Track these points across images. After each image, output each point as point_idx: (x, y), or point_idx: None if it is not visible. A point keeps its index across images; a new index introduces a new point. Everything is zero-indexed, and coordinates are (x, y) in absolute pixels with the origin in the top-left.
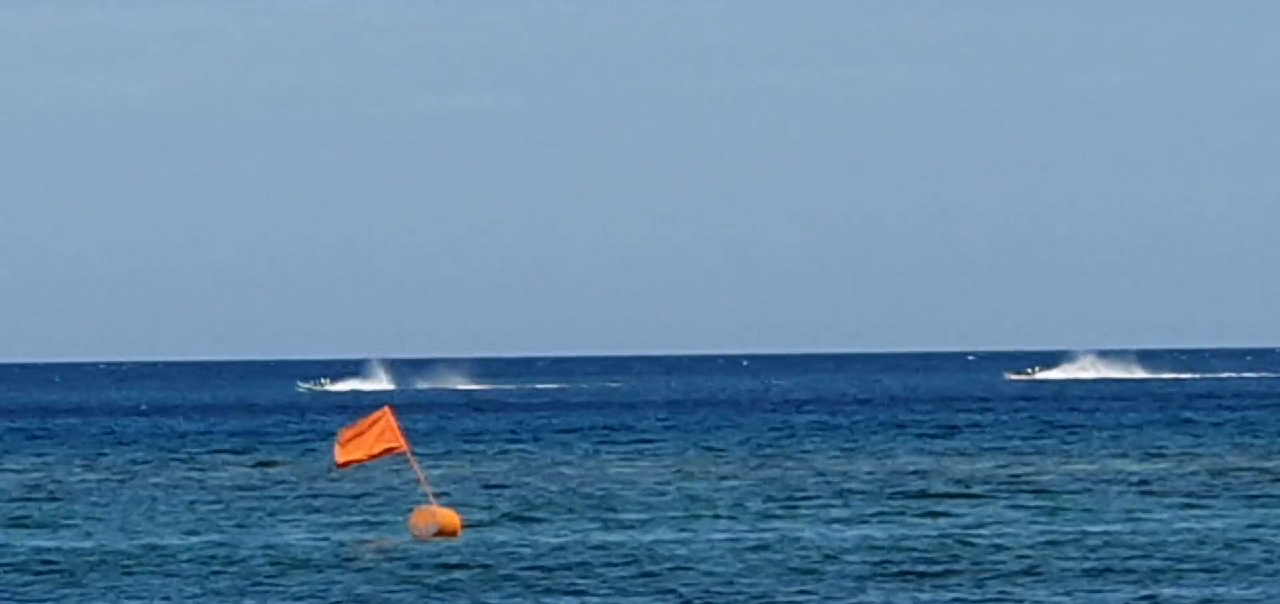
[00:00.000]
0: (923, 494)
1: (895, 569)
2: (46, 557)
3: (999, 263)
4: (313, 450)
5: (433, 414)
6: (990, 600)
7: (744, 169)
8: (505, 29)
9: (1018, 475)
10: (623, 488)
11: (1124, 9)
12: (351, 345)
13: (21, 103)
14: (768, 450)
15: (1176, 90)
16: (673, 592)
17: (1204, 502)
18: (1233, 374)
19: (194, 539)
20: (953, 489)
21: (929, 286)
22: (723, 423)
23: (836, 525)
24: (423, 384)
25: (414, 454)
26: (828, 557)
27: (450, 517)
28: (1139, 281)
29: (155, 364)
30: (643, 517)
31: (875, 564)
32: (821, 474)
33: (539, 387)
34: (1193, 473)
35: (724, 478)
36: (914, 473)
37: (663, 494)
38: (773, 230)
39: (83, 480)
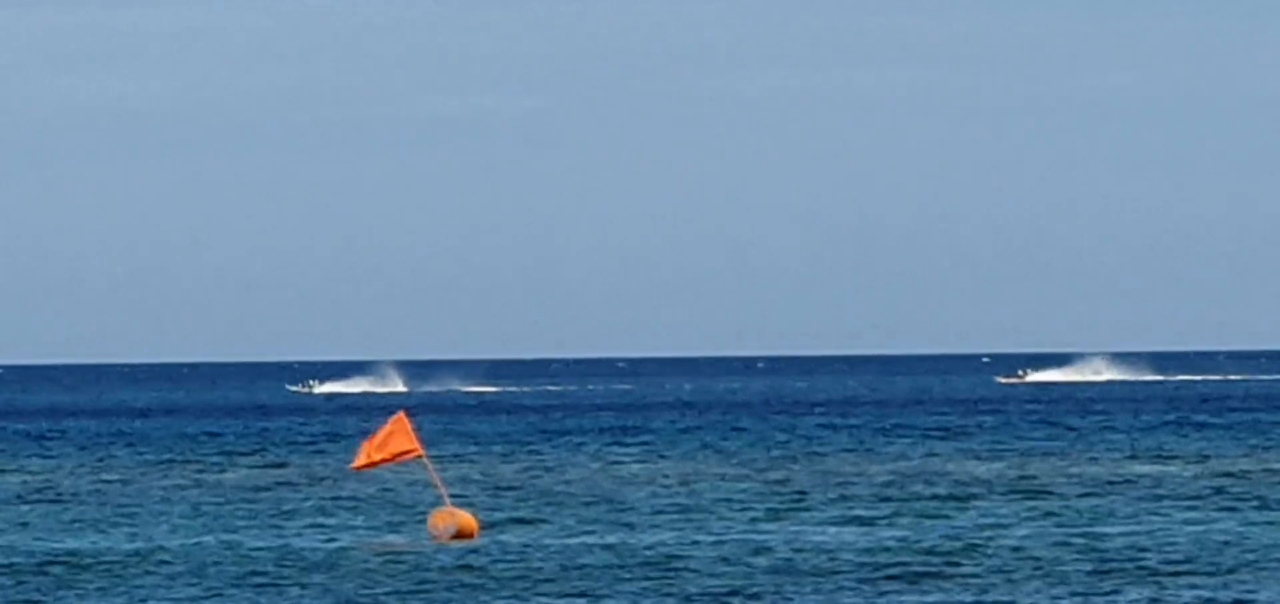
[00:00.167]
0: (932, 496)
1: (904, 571)
2: (57, 558)
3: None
4: (324, 452)
5: (443, 416)
6: (998, 602)
7: (757, 171)
8: (516, 30)
9: (1028, 477)
10: (635, 489)
11: (1125, 9)
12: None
13: (21, 103)
14: (778, 452)
15: (1179, 91)
16: (683, 594)
17: (1218, 504)
18: (1239, 376)
19: (207, 540)
20: (962, 491)
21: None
22: (735, 425)
23: (845, 527)
24: (433, 387)
25: (428, 456)
26: (836, 558)
27: (468, 518)
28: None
29: (160, 365)
30: (654, 518)
31: (883, 566)
32: (832, 476)
33: (552, 388)
34: (1203, 475)
35: (734, 479)
36: (923, 475)
37: (674, 496)
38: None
39: (94, 482)
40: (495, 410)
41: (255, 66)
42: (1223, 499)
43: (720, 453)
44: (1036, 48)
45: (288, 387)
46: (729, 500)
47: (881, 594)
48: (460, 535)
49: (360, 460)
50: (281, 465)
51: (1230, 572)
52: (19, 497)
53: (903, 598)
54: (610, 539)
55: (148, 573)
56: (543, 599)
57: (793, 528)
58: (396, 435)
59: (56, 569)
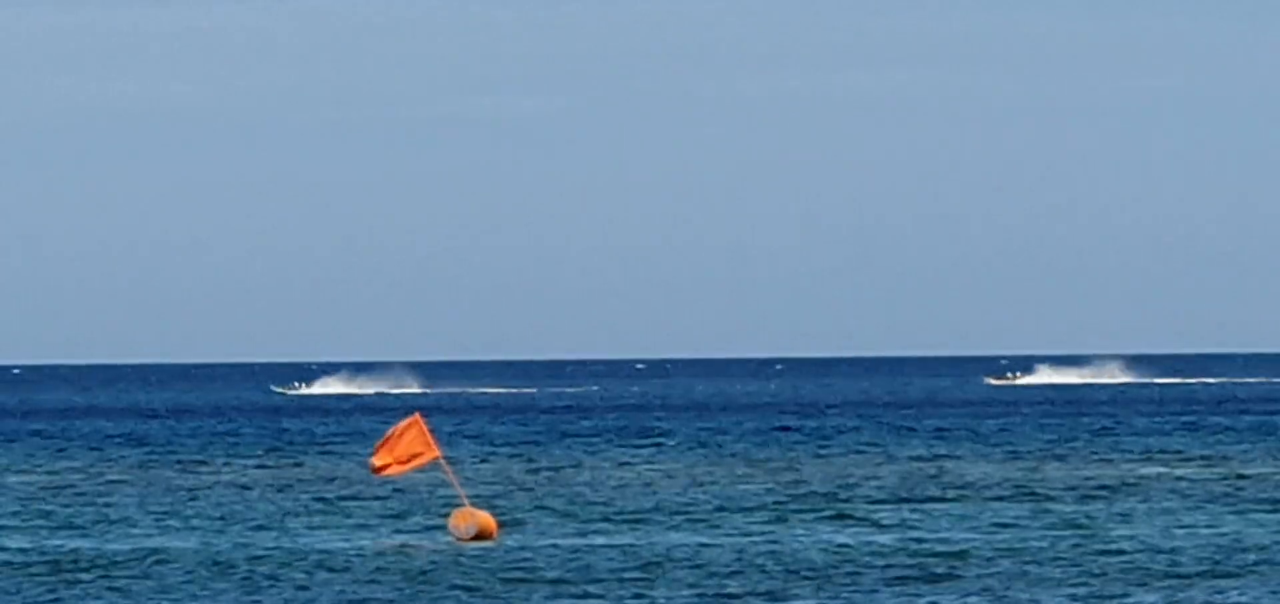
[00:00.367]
0: (944, 497)
1: (922, 573)
2: (68, 558)
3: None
4: (339, 454)
5: (456, 417)
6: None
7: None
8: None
9: (1040, 478)
10: (651, 490)
11: (1126, 10)
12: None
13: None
14: (790, 453)
15: (1180, 91)
16: (700, 595)
17: (1230, 506)
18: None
19: (224, 543)
20: (973, 493)
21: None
22: (748, 426)
23: (855, 528)
24: (449, 388)
25: (446, 458)
26: (847, 560)
27: (487, 519)
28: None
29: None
30: (671, 519)
31: (897, 567)
32: (843, 477)
33: (568, 390)
34: (1216, 477)
35: (749, 480)
36: (936, 476)
37: (687, 497)
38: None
39: (108, 482)
40: (509, 412)
41: (255, 66)
42: (1239, 500)
43: (734, 453)
44: (1039, 49)
45: (273, 388)
46: (743, 501)
47: (897, 596)
48: (480, 536)
49: (381, 467)
50: (298, 465)
51: (1237, 574)
52: (34, 496)
53: (917, 599)
54: (626, 540)
55: (163, 574)
56: (561, 600)
57: (806, 529)
58: (412, 438)
59: (68, 569)
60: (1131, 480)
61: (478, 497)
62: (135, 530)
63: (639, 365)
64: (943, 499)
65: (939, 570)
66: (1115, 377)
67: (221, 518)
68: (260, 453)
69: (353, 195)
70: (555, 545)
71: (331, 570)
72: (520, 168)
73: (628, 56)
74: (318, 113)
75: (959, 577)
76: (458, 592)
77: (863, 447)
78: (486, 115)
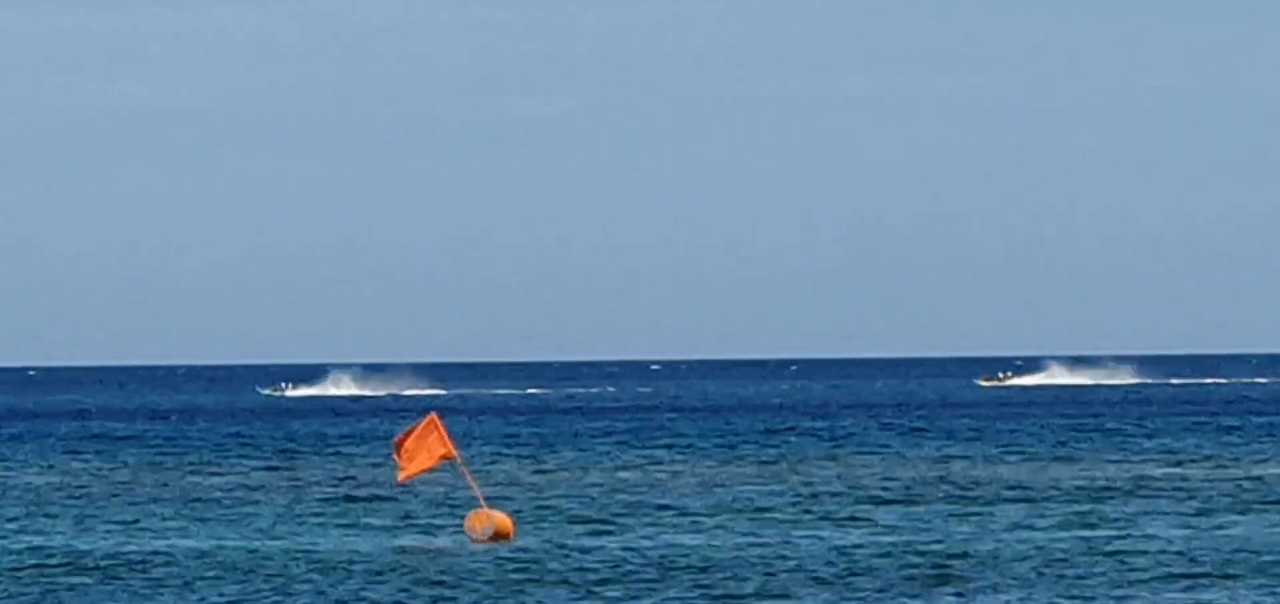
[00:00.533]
0: (959, 498)
1: (932, 574)
2: (85, 560)
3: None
4: (351, 455)
5: (468, 418)
6: None
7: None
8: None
9: (1053, 479)
10: (667, 491)
11: (1127, 11)
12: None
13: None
14: (803, 454)
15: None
16: (716, 595)
17: (1244, 508)
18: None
19: (241, 544)
20: (990, 494)
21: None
22: (767, 426)
23: (865, 529)
24: (456, 388)
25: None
26: (855, 561)
27: (504, 520)
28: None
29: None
30: (683, 520)
31: (905, 568)
32: (856, 477)
33: (580, 391)
34: (1227, 478)
35: (763, 481)
36: (950, 477)
37: (701, 498)
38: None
39: (120, 483)
40: (524, 413)
41: (256, 67)
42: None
43: (744, 454)
44: (1039, 49)
45: (258, 389)
46: (755, 502)
47: (909, 597)
48: (497, 537)
49: (403, 473)
50: (311, 467)
51: (1247, 575)
52: (47, 497)
53: (929, 600)
54: (644, 541)
55: (177, 575)
56: (580, 600)
57: (821, 530)
58: (430, 438)
59: (85, 571)
60: (1142, 481)
61: (490, 497)
62: (148, 531)
63: (654, 366)
64: (959, 499)
65: (951, 572)
66: (1125, 378)
67: (236, 519)
68: (272, 454)
69: (353, 195)
70: (570, 546)
71: (347, 572)
72: (521, 169)
73: (629, 57)
74: (318, 113)
75: (970, 578)
76: (474, 592)
77: (874, 447)
78: (487, 116)
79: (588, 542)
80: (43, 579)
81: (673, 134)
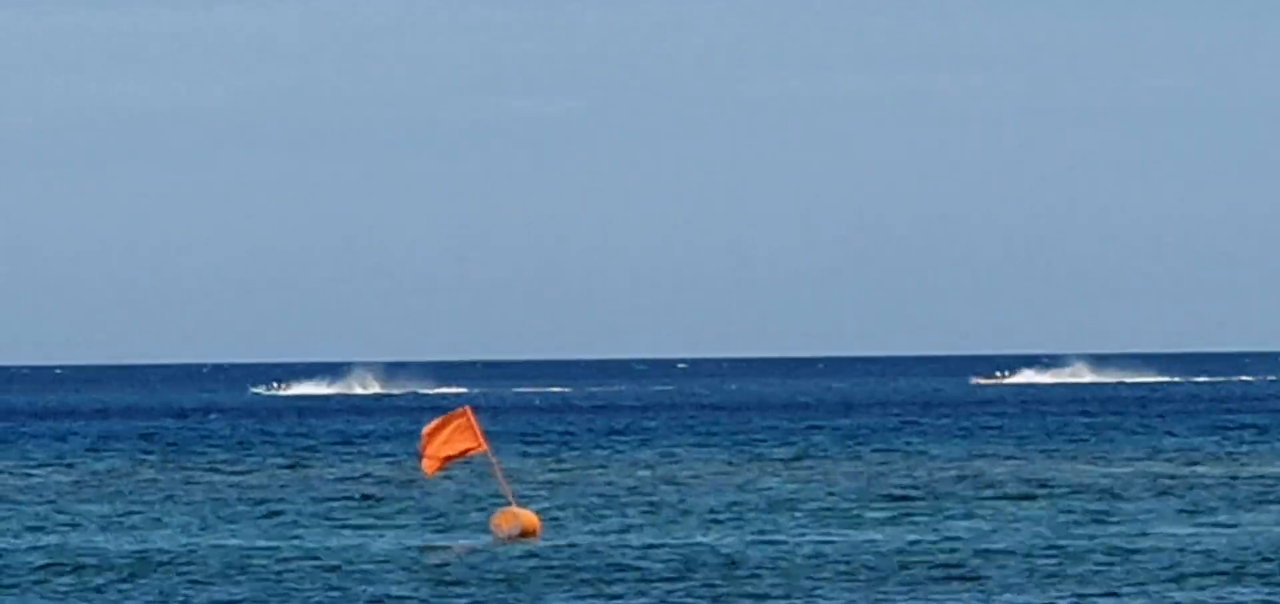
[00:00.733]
0: (975, 497)
1: (957, 573)
2: (108, 558)
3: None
4: (372, 454)
5: (490, 416)
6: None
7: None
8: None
9: (1069, 476)
10: (692, 489)
11: (1126, 11)
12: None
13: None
14: (828, 451)
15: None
16: (734, 594)
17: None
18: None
19: (264, 542)
20: (1021, 490)
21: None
22: (784, 425)
23: (886, 527)
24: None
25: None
26: (876, 559)
27: (531, 518)
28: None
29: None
30: (711, 518)
31: (936, 566)
32: (876, 475)
33: (594, 390)
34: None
35: (788, 480)
36: (966, 476)
37: (723, 495)
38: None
39: (145, 481)
40: (546, 411)
41: (256, 67)
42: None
43: (768, 453)
44: (1039, 49)
45: (252, 388)
46: (780, 499)
47: (928, 596)
48: (524, 535)
49: (429, 463)
50: (333, 464)
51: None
52: (77, 496)
53: (948, 598)
54: (665, 539)
55: (206, 574)
56: (604, 599)
57: (841, 528)
58: (461, 431)
59: (110, 570)
60: (1158, 479)
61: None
62: (168, 529)
63: (681, 365)
64: (975, 499)
65: (972, 570)
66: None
67: (259, 518)
68: (292, 452)
69: (353, 195)
70: (591, 545)
71: (368, 571)
72: (521, 169)
73: (629, 57)
74: (318, 113)
75: (987, 576)
76: (495, 590)
77: (896, 445)
78: (487, 116)
79: (609, 540)
80: (67, 578)
81: (673, 134)
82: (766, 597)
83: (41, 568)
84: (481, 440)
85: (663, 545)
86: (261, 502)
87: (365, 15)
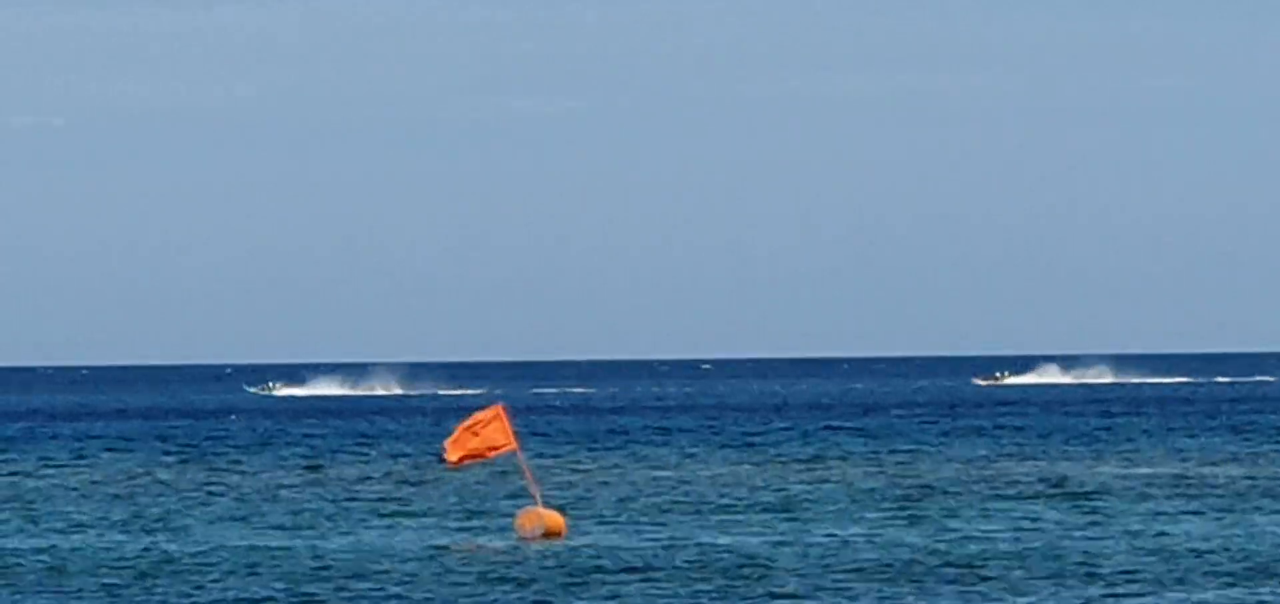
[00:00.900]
0: (994, 496)
1: (971, 572)
2: (136, 557)
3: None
4: (394, 454)
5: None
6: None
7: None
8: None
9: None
10: (717, 489)
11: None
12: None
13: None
14: (846, 451)
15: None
16: (765, 593)
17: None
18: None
19: (291, 543)
20: (1035, 490)
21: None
22: (813, 424)
23: (901, 526)
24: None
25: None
26: (890, 558)
27: (556, 518)
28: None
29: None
30: (725, 517)
31: (957, 566)
32: (893, 474)
33: (615, 390)
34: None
35: (809, 480)
36: (981, 476)
37: (756, 495)
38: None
39: (169, 482)
40: (566, 412)
41: (256, 67)
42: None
43: (787, 452)
44: (1039, 49)
45: (246, 388)
46: (798, 499)
47: (952, 596)
48: (548, 535)
49: (455, 454)
50: (357, 464)
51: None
52: (106, 495)
53: (971, 596)
54: (685, 537)
55: (229, 573)
56: (623, 598)
57: (860, 528)
58: (494, 429)
59: (139, 569)
60: (1171, 479)
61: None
62: (191, 529)
63: (705, 365)
64: (991, 497)
65: (986, 571)
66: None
67: (281, 517)
68: (313, 452)
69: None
70: (612, 544)
71: (392, 570)
72: (521, 169)
73: (629, 57)
74: (318, 113)
75: (1003, 577)
76: (516, 588)
77: (911, 445)
78: (487, 116)
79: (630, 540)
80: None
81: (673, 134)
82: (790, 597)
83: (56, 569)
84: (512, 439)
85: (684, 545)
86: (283, 501)
87: (365, 15)
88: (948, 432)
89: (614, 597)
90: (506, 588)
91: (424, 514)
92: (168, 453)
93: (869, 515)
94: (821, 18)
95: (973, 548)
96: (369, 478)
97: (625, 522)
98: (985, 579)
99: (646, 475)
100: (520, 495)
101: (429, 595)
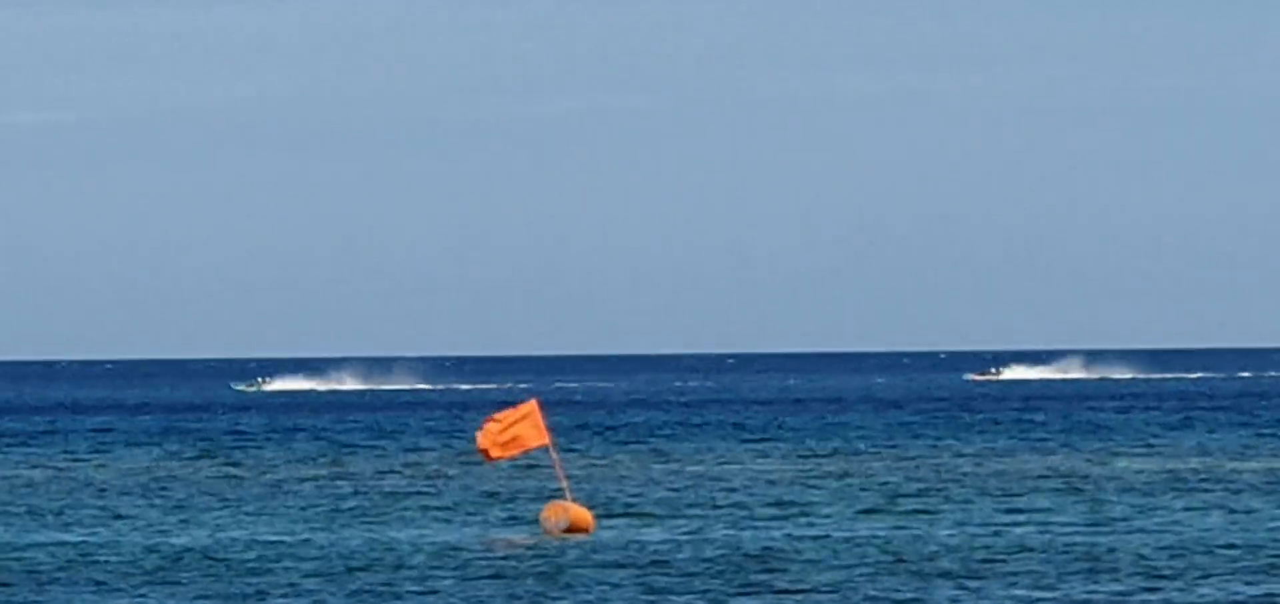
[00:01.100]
0: (1006, 492)
1: (987, 566)
2: (166, 551)
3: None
4: (423, 447)
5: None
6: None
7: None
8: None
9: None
10: (742, 484)
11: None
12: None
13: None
14: (861, 447)
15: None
16: (785, 589)
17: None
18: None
19: (314, 537)
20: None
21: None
22: (837, 419)
23: (918, 520)
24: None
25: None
26: (908, 551)
27: (582, 512)
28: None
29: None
30: (744, 512)
31: (959, 559)
32: (906, 469)
33: (622, 383)
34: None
35: (835, 475)
36: (994, 470)
37: (778, 491)
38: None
39: (198, 476)
40: (587, 406)
41: (256, 67)
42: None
43: (805, 447)
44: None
45: (232, 385)
46: (815, 494)
47: (972, 588)
48: (573, 529)
49: (490, 450)
50: (375, 459)
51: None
52: (133, 490)
53: (989, 591)
54: (704, 532)
55: (260, 569)
56: (648, 592)
57: (879, 521)
58: (528, 425)
59: (173, 562)
60: (1175, 475)
61: (553, 489)
62: (206, 526)
63: (730, 360)
64: (1001, 493)
65: (1001, 565)
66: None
67: (303, 509)
68: (331, 447)
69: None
70: (631, 538)
71: (417, 563)
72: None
73: (629, 58)
74: (318, 113)
75: (1017, 571)
76: (541, 584)
77: (926, 441)
78: (487, 116)
79: (667, 536)
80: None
81: (672, 134)
82: (811, 590)
83: (75, 562)
84: (545, 435)
85: (706, 539)
86: (300, 495)
87: (365, 15)
88: (967, 426)
89: (626, 590)
90: (523, 581)
91: (447, 509)
92: (187, 447)
93: (889, 510)
94: (821, 18)
95: (996, 542)
96: (386, 472)
97: (653, 515)
98: (1005, 573)
99: (671, 468)
100: (548, 489)
101: (449, 588)
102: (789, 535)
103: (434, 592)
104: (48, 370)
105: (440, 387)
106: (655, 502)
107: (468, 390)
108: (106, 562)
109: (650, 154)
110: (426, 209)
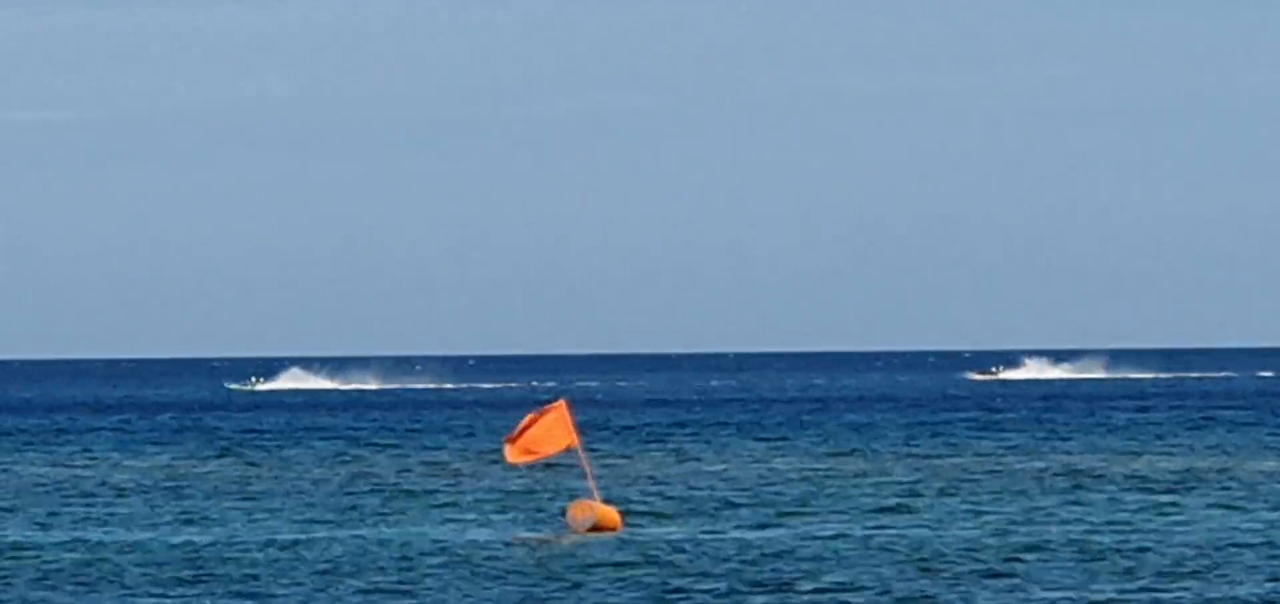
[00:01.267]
0: (1019, 492)
1: (1004, 565)
2: (186, 551)
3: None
4: (441, 447)
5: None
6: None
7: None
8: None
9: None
10: (764, 483)
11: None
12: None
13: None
14: (876, 446)
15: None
16: (809, 588)
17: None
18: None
19: (340, 534)
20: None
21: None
22: (853, 419)
23: (933, 518)
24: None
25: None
26: (925, 550)
27: (608, 511)
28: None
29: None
30: (762, 511)
31: (977, 558)
32: (923, 468)
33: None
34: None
35: (853, 475)
36: (1008, 469)
37: (798, 489)
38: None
39: (218, 475)
40: (600, 406)
41: (256, 67)
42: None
43: (821, 446)
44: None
45: (227, 384)
46: (849, 493)
47: (993, 587)
48: (598, 528)
49: (517, 453)
50: (392, 459)
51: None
52: (150, 487)
53: (1005, 593)
54: (721, 531)
55: (283, 568)
56: (667, 591)
57: (906, 523)
58: (555, 425)
59: (192, 561)
60: (1210, 472)
61: (573, 489)
62: (217, 524)
63: (747, 359)
64: (1015, 491)
65: (1020, 563)
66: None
67: (340, 512)
68: (349, 445)
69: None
70: (657, 537)
71: (440, 562)
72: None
73: (629, 58)
74: (318, 113)
75: (1034, 570)
76: (560, 584)
77: (941, 439)
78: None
79: (691, 534)
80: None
81: (672, 134)
82: (831, 589)
83: (92, 562)
84: (574, 436)
85: (727, 537)
86: (330, 494)
87: (365, 15)
88: (985, 426)
89: (644, 588)
90: (523, 579)
91: (472, 508)
92: (204, 445)
93: (910, 507)
94: (821, 18)
95: (1017, 541)
96: (406, 470)
97: (674, 514)
98: (1027, 571)
99: (692, 467)
100: (572, 488)
101: (470, 588)
102: (809, 535)
103: (454, 590)
104: (45, 369)
105: (463, 385)
106: (675, 500)
107: (489, 389)
108: (124, 563)
109: (650, 154)
110: (427, 209)
